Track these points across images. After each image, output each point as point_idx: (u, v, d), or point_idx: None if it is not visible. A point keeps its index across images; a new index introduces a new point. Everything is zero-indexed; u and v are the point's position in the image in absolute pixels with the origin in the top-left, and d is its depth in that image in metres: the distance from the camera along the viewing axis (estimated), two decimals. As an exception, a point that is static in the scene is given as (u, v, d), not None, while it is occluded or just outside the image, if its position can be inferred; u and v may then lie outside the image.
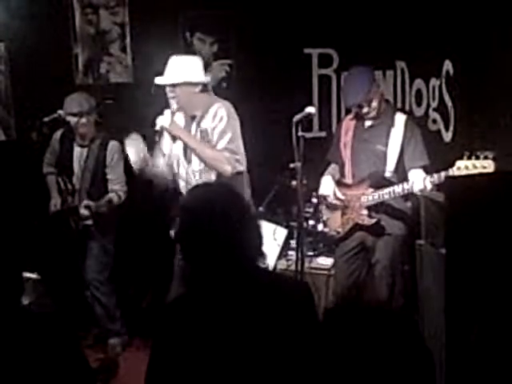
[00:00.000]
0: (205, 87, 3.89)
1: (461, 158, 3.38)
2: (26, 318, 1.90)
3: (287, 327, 1.94)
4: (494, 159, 3.31)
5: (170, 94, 3.95)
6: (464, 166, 3.34)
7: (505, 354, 2.40)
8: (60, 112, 4.29)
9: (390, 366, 1.24)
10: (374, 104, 3.93)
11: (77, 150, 4.45)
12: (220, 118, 3.78)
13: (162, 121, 3.80)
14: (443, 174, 3.51)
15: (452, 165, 3.41)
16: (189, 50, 5.22)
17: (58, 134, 4.50)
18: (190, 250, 2.04)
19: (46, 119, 4.27)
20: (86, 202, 4.28)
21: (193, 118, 3.91)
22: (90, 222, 4.39)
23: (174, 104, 3.98)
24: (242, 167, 3.82)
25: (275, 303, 1.98)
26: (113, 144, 4.40)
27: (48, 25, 4.89)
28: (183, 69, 3.82)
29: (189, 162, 3.92)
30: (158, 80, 3.86)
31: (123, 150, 4.36)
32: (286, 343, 1.87)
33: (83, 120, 4.30)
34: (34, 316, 1.97)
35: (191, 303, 2.04)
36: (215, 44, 5.33)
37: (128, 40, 5.18)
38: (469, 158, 3.35)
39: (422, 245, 3.71)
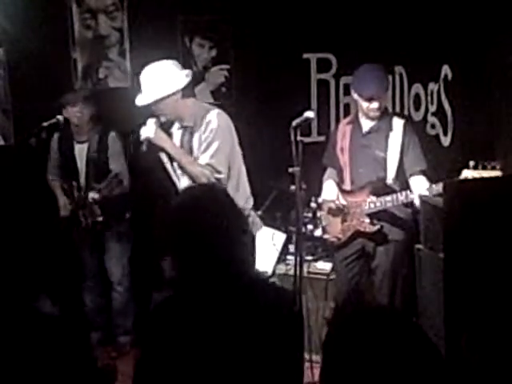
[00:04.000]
0: (187, 91, 3.77)
1: (466, 167, 3.31)
2: (39, 320, 1.89)
3: (269, 332, 1.94)
4: (501, 170, 3.27)
5: (155, 111, 3.78)
6: (471, 177, 3.28)
7: (504, 357, 2.39)
8: (59, 117, 4.31)
9: (400, 367, 1.24)
10: (384, 103, 3.95)
11: (77, 147, 4.52)
12: (210, 130, 3.67)
13: (146, 131, 3.70)
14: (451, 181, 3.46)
15: (457, 173, 3.35)
16: (187, 54, 5.23)
17: (55, 137, 4.55)
18: (178, 254, 2.03)
19: (44, 124, 4.27)
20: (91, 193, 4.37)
21: (185, 128, 3.81)
22: (100, 218, 4.46)
23: (163, 118, 3.85)
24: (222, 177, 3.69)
25: (259, 309, 1.98)
26: (113, 135, 4.50)
27: (47, 30, 4.88)
28: (157, 81, 3.67)
29: (174, 171, 3.87)
30: (138, 101, 3.76)
31: (124, 140, 4.46)
32: (267, 347, 1.90)
33: (77, 109, 4.38)
34: (47, 318, 1.96)
35: (177, 307, 2.04)
36: (214, 49, 5.33)
37: (127, 45, 5.18)
38: (475, 167, 3.29)
39: (421, 249, 3.72)
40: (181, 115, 3.78)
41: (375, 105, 3.89)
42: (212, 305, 1.97)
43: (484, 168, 3.27)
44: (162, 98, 3.68)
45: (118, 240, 4.60)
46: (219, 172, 3.65)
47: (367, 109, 3.92)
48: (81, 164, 4.50)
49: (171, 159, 3.82)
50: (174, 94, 3.69)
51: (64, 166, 4.55)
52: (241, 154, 3.88)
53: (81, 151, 4.51)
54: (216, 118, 3.70)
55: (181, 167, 3.78)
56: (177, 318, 2.00)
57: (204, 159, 3.67)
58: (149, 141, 3.71)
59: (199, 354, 1.92)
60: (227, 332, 1.93)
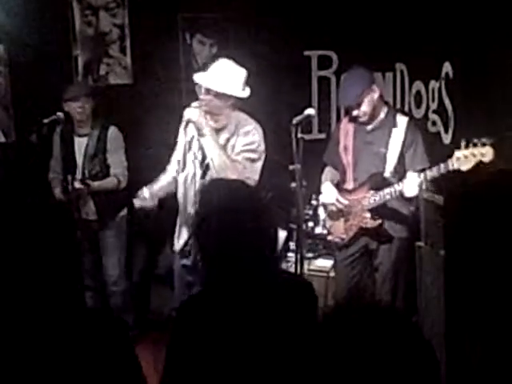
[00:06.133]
0: (238, 103, 3.71)
1: (458, 148, 3.35)
2: (88, 316, 1.86)
3: (293, 327, 1.96)
4: (492, 145, 3.27)
5: (201, 95, 3.67)
6: (463, 156, 3.31)
7: (505, 355, 2.39)
8: (59, 113, 4.30)
9: (394, 364, 1.24)
10: (364, 108, 3.86)
11: (78, 140, 4.53)
12: (252, 139, 3.62)
13: (190, 113, 3.60)
14: (442, 166, 3.47)
15: (450, 156, 3.38)
16: (188, 51, 5.23)
17: (57, 131, 4.54)
18: (210, 249, 2.03)
19: (45, 121, 4.26)
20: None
21: (216, 129, 3.66)
22: (93, 217, 4.48)
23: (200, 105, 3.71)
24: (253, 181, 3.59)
25: (284, 303, 2.02)
26: (113, 129, 4.50)
27: (48, 26, 4.88)
28: (227, 78, 3.61)
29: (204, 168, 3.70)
30: (198, 77, 3.66)
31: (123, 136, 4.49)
32: (290, 342, 1.90)
33: (79, 104, 4.39)
34: (95, 313, 1.95)
35: (207, 303, 2.05)
36: (215, 46, 5.32)
37: (128, 41, 5.18)
38: (466, 146, 3.31)
39: (422, 247, 3.71)
40: (215, 116, 3.67)
41: (355, 112, 3.89)
42: (241, 298, 1.99)
43: (475, 145, 3.28)
44: (224, 94, 3.60)
45: (114, 239, 4.59)
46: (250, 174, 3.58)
47: (352, 115, 3.95)
48: (79, 158, 4.50)
49: (203, 154, 3.65)
50: (230, 97, 3.63)
51: (65, 159, 4.53)
52: None
53: (80, 145, 4.51)
54: (256, 130, 3.67)
55: (213, 158, 3.57)
56: (207, 313, 2.02)
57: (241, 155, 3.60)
58: (188, 122, 3.62)
59: (229, 346, 1.95)
60: (254, 324, 1.96)
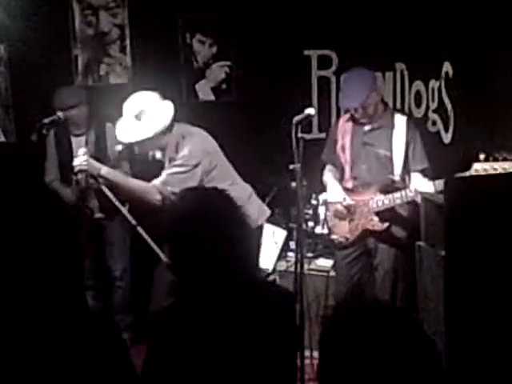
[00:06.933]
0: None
1: (477, 160, 3.24)
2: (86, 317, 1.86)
3: (270, 334, 1.99)
4: None
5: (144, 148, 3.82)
6: (482, 169, 3.20)
7: (504, 354, 2.40)
8: (59, 114, 4.30)
9: (397, 361, 1.24)
10: (370, 110, 3.89)
11: (75, 140, 4.52)
12: (181, 151, 3.68)
13: (78, 164, 3.61)
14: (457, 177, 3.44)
15: (465, 168, 3.29)
16: (188, 51, 5.23)
17: (50, 134, 4.53)
18: (180, 259, 2.02)
19: (45, 121, 4.26)
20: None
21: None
22: (100, 214, 4.50)
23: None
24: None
25: (260, 312, 2.00)
26: (110, 126, 4.47)
27: (48, 26, 4.88)
28: (145, 122, 3.68)
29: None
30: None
31: None
32: (267, 349, 1.95)
33: (77, 111, 4.39)
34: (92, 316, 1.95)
35: (182, 312, 2.04)
36: (215, 45, 5.32)
37: (128, 41, 5.18)
38: (486, 160, 3.22)
39: (422, 246, 3.71)
40: (163, 146, 3.77)
41: (359, 114, 3.90)
42: (215, 305, 1.98)
43: (495, 160, 3.20)
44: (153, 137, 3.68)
45: (119, 233, 4.61)
46: (173, 187, 3.58)
47: (354, 116, 3.94)
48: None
49: (112, 187, 3.68)
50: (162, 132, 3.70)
51: (62, 161, 4.54)
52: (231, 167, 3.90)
53: (78, 144, 4.48)
54: (188, 145, 3.70)
55: (123, 188, 3.68)
56: (182, 320, 2.01)
57: (162, 175, 3.67)
58: (84, 172, 3.61)
59: (203, 352, 1.94)
60: (230, 331, 1.95)
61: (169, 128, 3.72)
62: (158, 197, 3.62)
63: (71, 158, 4.48)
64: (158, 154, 3.87)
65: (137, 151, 3.85)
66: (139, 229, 3.59)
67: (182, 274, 2.05)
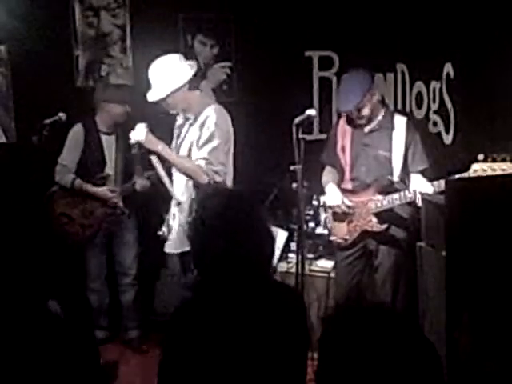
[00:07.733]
0: (193, 83, 3.81)
1: (476, 161, 3.23)
2: (49, 319, 1.87)
3: (284, 334, 2.01)
4: (511, 161, 3.21)
5: (165, 106, 3.83)
6: (481, 169, 3.19)
7: (506, 353, 2.39)
8: (60, 114, 4.30)
9: (397, 364, 1.24)
10: (365, 111, 3.87)
11: (105, 138, 4.52)
12: (207, 127, 3.71)
13: (136, 135, 3.72)
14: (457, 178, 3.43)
15: (465, 169, 3.29)
16: (189, 52, 5.23)
17: (76, 130, 4.50)
18: (204, 258, 2.04)
19: (46, 121, 4.27)
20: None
21: (187, 119, 3.87)
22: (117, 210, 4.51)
23: (171, 111, 3.90)
24: (220, 178, 3.70)
25: (273, 311, 2.03)
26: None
27: (49, 27, 4.89)
28: (165, 76, 3.73)
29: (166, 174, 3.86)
30: (149, 97, 3.81)
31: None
32: (281, 348, 1.96)
33: (123, 108, 4.41)
34: (55, 317, 1.96)
35: (198, 310, 2.06)
36: (216, 46, 5.33)
37: (129, 42, 5.18)
38: (484, 160, 3.21)
39: (423, 247, 3.71)
40: (188, 107, 3.82)
41: (354, 116, 3.89)
42: (231, 304, 2.00)
43: (494, 160, 3.20)
44: (172, 92, 3.72)
45: (130, 232, 4.63)
46: (215, 166, 3.67)
47: (351, 118, 3.94)
48: (109, 156, 4.49)
49: (163, 161, 3.80)
50: (182, 86, 3.74)
51: (89, 157, 4.50)
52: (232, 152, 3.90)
53: (109, 144, 4.50)
54: (215, 113, 3.74)
55: (175, 166, 3.79)
56: (198, 318, 2.03)
57: (201, 154, 3.69)
58: (139, 144, 3.72)
59: (218, 350, 1.95)
60: (245, 331, 1.97)
61: (191, 84, 3.77)
62: (205, 178, 3.66)
63: (102, 156, 4.48)
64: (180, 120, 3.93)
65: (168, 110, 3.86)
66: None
67: (205, 269, 2.05)
